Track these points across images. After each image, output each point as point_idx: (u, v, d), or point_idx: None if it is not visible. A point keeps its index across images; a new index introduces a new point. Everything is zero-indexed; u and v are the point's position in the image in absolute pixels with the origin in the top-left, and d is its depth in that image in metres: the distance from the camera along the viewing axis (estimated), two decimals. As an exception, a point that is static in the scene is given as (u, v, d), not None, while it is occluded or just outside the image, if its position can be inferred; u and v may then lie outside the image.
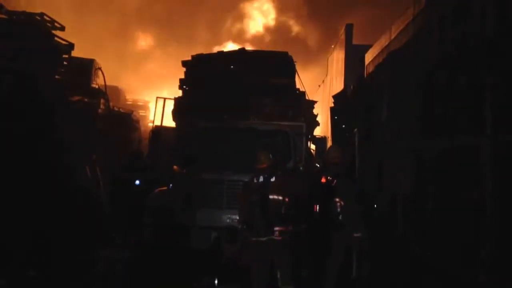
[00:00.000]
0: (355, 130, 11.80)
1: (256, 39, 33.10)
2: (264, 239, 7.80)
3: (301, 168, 10.89)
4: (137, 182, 13.27)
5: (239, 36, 35.25)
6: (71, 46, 13.84)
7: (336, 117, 13.41)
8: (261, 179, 8.02)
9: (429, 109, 7.06)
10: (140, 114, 28.17)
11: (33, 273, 8.47)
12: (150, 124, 19.33)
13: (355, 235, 8.40)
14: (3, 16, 13.24)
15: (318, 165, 12.57)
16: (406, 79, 8.05)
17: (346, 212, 8.37)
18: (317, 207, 8.47)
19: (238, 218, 8.54)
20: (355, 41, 19.42)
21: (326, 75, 25.53)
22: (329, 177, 8.75)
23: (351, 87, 14.44)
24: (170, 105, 14.18)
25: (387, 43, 9.93)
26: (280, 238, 7.80)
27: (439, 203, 6.69)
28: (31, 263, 8.65)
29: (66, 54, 13.88)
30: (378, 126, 9.68)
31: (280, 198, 7.84)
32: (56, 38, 13.46)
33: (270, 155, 8.18)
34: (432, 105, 6.93)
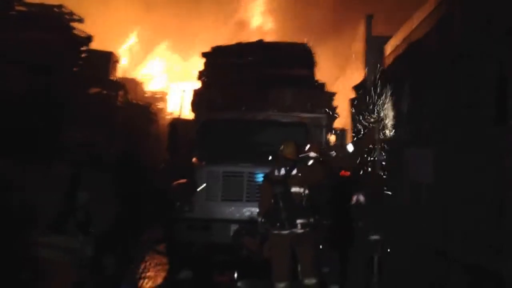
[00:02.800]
0: (375, 122, 11.66)
1: (275, 29, 32.90)
2: (287, 232, 7.73)
3: (321, 159, 10.79)
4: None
5: (258, 27, 35.01)
6: (89, 38, 13.84)
7: (355, 109, 13.27)
8: (282, 171, 7.93)
9: (452, 99, 6.91)
10: (158, 106, 28.11)
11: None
12: (168, 117, 19.30)
13: (373, 237, 8.28)
14: (22, 8, 13.26)
15: (334, 153, 12.45)
16: (428, 69, 7.90)
17: (364, 211, 8.26)
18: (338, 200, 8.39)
19: (258, 211, 8.48)
20: (375, 32, 19.19)
21: (346, 66, 25.33)
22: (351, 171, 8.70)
23: (371, 78, 14.27)
24: (188, 97, 14.14)
25: (407, 33, 9.75)
26: (302, 230, 7.73)
27: (461, 194, 6.57)
28: None
29: (84, 46, 13.87)
30: (399, 117, 9.53)
31: (302, 190, 7.77)
32: (74, 31, 13.45)
33: (297, 147, 8.13)
34: (455, 95, 6.79)
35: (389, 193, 8.85)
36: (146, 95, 29.44)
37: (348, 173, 9.19)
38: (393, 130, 10.00)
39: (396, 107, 9.96)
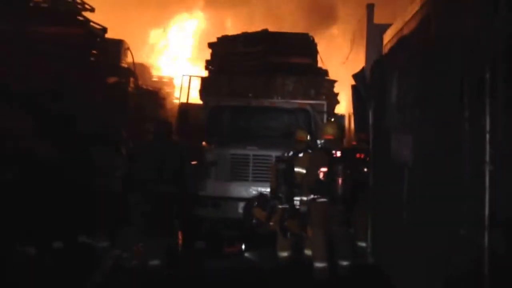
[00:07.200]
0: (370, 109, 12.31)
1: (280, 16, 33.31)
2: (285, 206, 8.68)
3: (320, 145, 11.58)
4: None
5: (264, 14, 35.40)
6: (104, 30, 14.40)
7: (356, 96, 14.01)
8: (291, 153, 8.93)
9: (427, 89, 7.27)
10: (166, 91, 28.42)
11: (58, 244, 8.84)
12: (176, 101, 19.83)
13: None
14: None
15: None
16: (411, 61, 8.34)
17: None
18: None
19: (269, 188, 9.45)
20: (379, 20, 19.29)
21: (350, 52, 25.79)
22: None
23: (370, 67, 14.93)
24: (195, 82, 14.73)
25: (401, 26, 10.22)
26: (298, 206, 8.57)
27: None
28: (56, 235, 8.90)
29: (99, 38, 14.39)
30: (389, 106, 10.16)
31: (304, 171, 8.55)
32: (91, 24, 13.96)
33: (307, 134, 9.12)
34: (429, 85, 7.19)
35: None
36: (154, 79, 29.79)
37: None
38: (384, 117, 10.66)
39: (387, 95, 10.56)
